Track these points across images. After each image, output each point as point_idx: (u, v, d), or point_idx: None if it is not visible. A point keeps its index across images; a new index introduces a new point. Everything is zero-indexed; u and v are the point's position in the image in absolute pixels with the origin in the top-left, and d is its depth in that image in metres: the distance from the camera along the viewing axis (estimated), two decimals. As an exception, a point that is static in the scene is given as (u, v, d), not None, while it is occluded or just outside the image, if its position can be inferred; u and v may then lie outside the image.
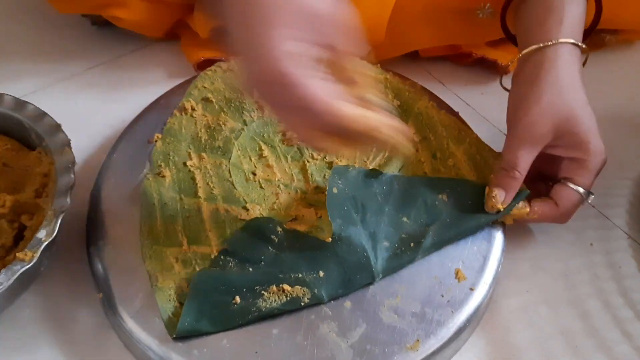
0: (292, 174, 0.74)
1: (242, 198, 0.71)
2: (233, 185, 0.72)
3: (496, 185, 0.69)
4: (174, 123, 0.78)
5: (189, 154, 0.75)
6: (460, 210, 0.70)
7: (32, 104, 0.73)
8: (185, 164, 0.74)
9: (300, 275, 0.64)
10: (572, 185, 0.69)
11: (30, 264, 0.60)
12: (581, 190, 0.69)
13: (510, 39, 0.79)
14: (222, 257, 0.66)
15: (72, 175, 0.66)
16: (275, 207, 0.71)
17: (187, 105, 0.79)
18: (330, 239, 0.67)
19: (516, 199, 0.70)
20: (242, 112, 0.79)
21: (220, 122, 0.78)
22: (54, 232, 0.62)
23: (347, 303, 0.64)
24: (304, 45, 0.52)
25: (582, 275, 0.73)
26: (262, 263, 0.66)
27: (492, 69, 0.92)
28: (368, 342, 0.62)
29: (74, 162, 0.68)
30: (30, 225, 0.67)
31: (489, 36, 0.85)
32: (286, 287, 0.63)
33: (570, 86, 0.68)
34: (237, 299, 0.63)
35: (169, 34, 0.97)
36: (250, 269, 0.66)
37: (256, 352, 0.61)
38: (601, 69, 0.93)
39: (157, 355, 0.61)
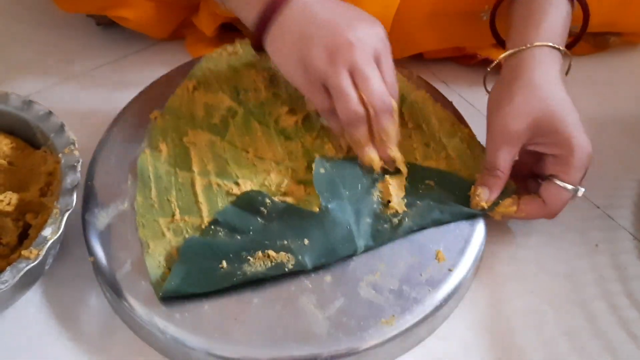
0: (284, 153, 0.77)
1: (235, 174, 0.74)
2: (226, 161, 0.75)
3: (481, 184, 0.71)
4: (175, 101, 0.81)
5: (186, 131, 0.78)
6: (445, 197, 0.72)
7: (38, 103, 0.74)
8: (182, 140, 0.77)
9: (285, 242, 0.67)
10: (558, 182, 0.69)
11: (36, 262, 0.61)
12: (569, 187, 0.68)
13: (500, 43, 0.81)
14: (212, 227, 0.69)
15: (78, 174, 0.68)
16: (266, 183, 0.74)
17: (189, 85, 0.82)
18: (317, 209, 0.69)
19: (502, 194, 0.71)
20: (239, 93, 0.82)
21: (218, 101, 0.81)
22: (59, 230, 0.63)
23: (328, 277, 0.67)
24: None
25: (587, 276, 0.73)
26: (251, 233, 0.69)
27: (496, 69, 0.90)
28: (344, 315, 0.64)
29: (79, 161, 0.69)
30: (34, 224, 0.68)
31: (493, 38, 0.85)
32: (271, 253, 0.66)
33: (544, 85, 0.69)
34: (224, 263, 0.65)
35: (174, 33, 0.99)
36: (239, 237, 0.68)
37: (235, 319, 0.63)
38: (605, 70, 0.94)
39: (140, 317, 0.64)
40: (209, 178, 0.74)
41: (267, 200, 0.71)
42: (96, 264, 0.68)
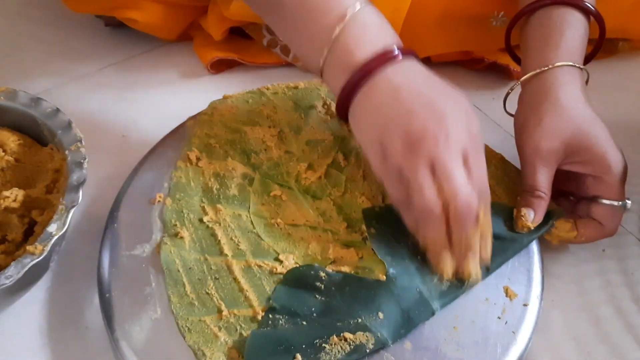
0: (317, 215, 0.69)
1: (272, 249, 0.66)
2: (258, 236, 0.67)
3: (524, 205, 0.68)
4: (181, 176, 0.71)
5: (203, 208, 0.69)
6: (499, 233, 0.67)
7: (46, 101, 0.72)
8: (202, 220, 0.67)
9: (359, 320, 0.59)
10: (607, 202, 0.67)
11: (41, 257, 0.59)
12: (616, 203, 0.67)
13: (514, 58, 0.79)
14: (269, 316, 0.60)
15: (84, 171, 0.66)
16: (310, 253, 0.66)
17: (192, 156, 0.73)
18: (384, 277, 0.62)
19: (552, 218, 0.68)
20: (250, 155, 0.73)
21: (230, 168, 0.72)
22: (64, 226, 0.61)
23: (407, 344, 0.60)
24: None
25: (594, 281, 0.71)
26: (314, 315, 0.60)
27: (503, 73, 0.91)
28: None
29: (85, 158, 0.67)
30: (40, 220, 0.66)
31: (502, 43, 0.82)
32: (348, 335, 0.58)
33: (571, 104, 0.67)
34: (298, 356, 0.57)
35: (182, 35, 0.97)
36: (304, 323, 0.60)
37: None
38: (613, 75, 0.94)
39: None
40: (245, 259, 0.65)
41: (322, 273, 0.63)
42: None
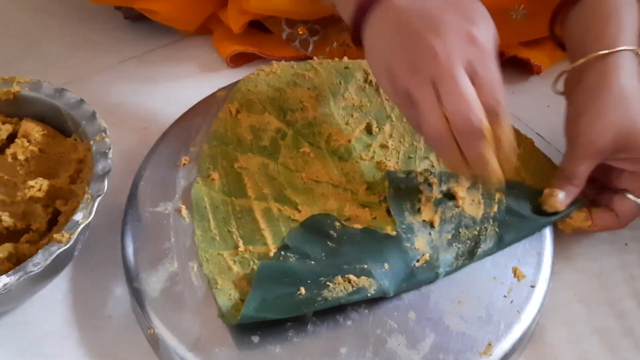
0: (340, 175, 0.70)
1: (293, 199, 0.67)
2: (282, 185, 0.68)
3: (558, 188, 0.66)
4: (220, 126, 0.74)
5: (237, 156, 0.71)
6: (518, 210, 0.67)
7: (70, 92, 0.71)
8: (233, 166, 0.70)
9: (365, 266, 0.59)
10: (633, 198, 0.64)
11: (67, 246, 0.58)
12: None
13: (559, 44, 0.75)
14: (282, 252, 0.62)
15: (109, 161, 0.65)
16: (327, 208, 0.67)
17: (232, 108, 0.75)
18: (394, 233, 0.63)
19: (573, 205, 0.67)
20: (286, 113, 0.75)
21: (265, 122, 0.74)
22: (90, 214, 0.60)
23: (412, 314, 0.60)
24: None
25: (617, 275, 0.68)
26: (324, 258, 0.61)
27: (523, 68, 0.87)
28: (440, 351, 0.57)
29: (110, 148, 0.66)
30: (64, 210, 0.66)
31: (522, 37, 0.80)
32: (352, 277, 0.58)
33: (634, 99, 0.63)
34: (302, 290, 0.58)
35: (201, 28, 0.94)
36: (313, 263, 0.61)
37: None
38: None
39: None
40: (267, 202, 0.67)
41: (337, 224, 0.64)
42: (157, 336, 0.59)
